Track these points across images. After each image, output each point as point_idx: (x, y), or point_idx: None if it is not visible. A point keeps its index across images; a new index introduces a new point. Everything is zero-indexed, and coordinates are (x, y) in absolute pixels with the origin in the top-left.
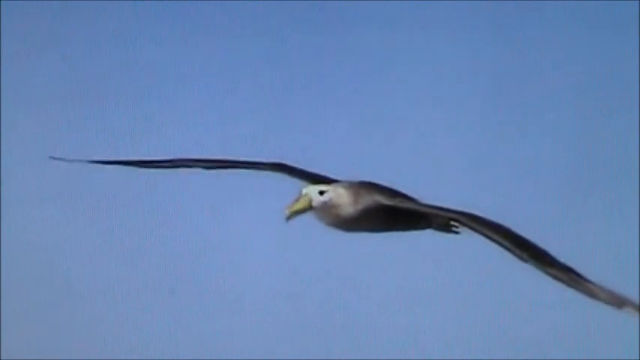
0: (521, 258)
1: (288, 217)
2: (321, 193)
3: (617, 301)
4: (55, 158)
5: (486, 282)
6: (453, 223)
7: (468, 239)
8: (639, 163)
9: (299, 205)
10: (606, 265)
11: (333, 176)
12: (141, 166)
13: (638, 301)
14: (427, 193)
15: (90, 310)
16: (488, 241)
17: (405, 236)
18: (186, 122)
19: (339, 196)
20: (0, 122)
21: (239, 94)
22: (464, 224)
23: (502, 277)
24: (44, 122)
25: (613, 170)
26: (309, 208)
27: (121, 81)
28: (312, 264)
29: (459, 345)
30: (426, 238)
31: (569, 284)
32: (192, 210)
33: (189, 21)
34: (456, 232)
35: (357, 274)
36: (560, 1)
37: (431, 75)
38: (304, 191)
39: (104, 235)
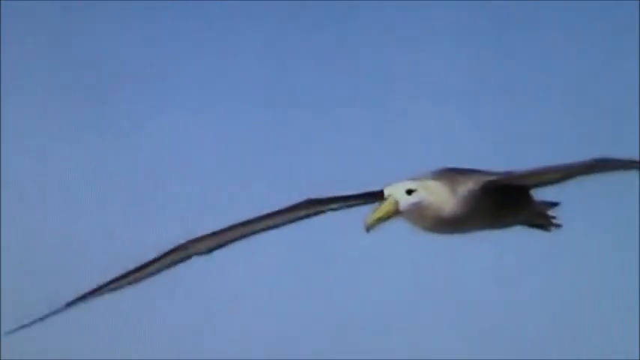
0: None
1: (370, 227)
2: (409, 192)
3: None
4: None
5: (487, 282)
6: (553, 215)
7: (468, 240)
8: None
9: (382, 212)
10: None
11: (338, 184)
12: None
13: None
14: None
15: (89, 310)
16: (487, 243)
17: (406, 236)
18: (185, 121)
19: (432, 192)
20: (0, 120)
21: (239, 93)
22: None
23: (502, 278)
24: (44, 120)
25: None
26: (395, 213)
27: (122, 79)
28: (312, 263)
29: (461, 345)
30: (428, 238)
31: None
32: (193, 209)
33: (189, 20)
34: (558, 225)
35: (358, 274)
36: (560, 1)
37: (433, 73)
38: (387, 192)
39: (104, 235)
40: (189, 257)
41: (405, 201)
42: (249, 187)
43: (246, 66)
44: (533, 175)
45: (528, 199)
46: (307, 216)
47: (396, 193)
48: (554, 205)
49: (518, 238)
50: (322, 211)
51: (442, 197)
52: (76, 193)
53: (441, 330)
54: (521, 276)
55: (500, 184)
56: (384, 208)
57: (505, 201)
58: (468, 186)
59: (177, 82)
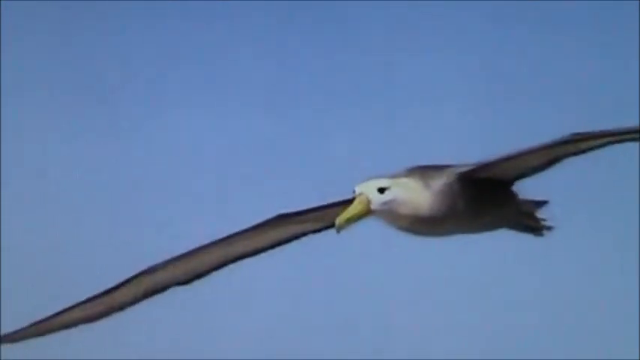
0: None
1: (340, 228)
2: (382, 190)
3: None
4: None
5: (487, 281)
6: (542, 217)
7: (468, 240)
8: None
9: (354, 211)
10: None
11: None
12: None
13: None
14: None
15: None
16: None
17: (407, 237)
18: (187, 120)
19: (406, 188)
20: (0, 119)
21: (240, 94)
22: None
23: (503, 278)
24: (45, 120)
25: (613, 179)
26: (368, 212)
27: (122, 80)
28: (316, 262)
29: (463, 346)
30: (429, 239)
31: None
32: (195, 208)
33: (190, 20)
34: (548, 228)
35: (361, 274)
36: (560, 1)
37: (434, 74)
38: (358, 190)
39: (106, 233)
40: (153, 292)
41: (377, 199)
42: (250, 188)
43: (247, 67)
44: (509, 160)
45: (511, 195)
46: (286, 239)
47: (367, 191)
48: (542, 203)
49: (519, 238)
50: (298, 234)
51: (417, 194)
52: (76, 193)
53: (442, 331)
54: (521, 276)
55: (478, 178)
56: (355, 207)
57: (485, 197)
58: (442, 180)
59: (178, 82)
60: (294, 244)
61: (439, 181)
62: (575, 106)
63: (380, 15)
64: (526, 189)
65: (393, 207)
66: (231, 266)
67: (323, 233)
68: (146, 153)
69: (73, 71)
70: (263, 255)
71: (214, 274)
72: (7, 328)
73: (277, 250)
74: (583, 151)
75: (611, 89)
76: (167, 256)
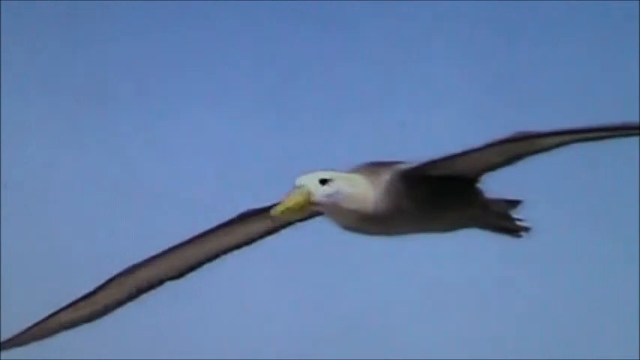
0: None
1: (275, 217)
2: (323, 182)
3: None
4: None
5: (487, 282)
6: (518, 217)
7: (471, 238)
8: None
9: (291, 202)
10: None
11: None
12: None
13: None
14: None
15: None
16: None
17: (408, 239)
18: (188, 121)
19: (350, 182)
20: (0, 120)
21: (242, 94)
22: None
23: (503, 278)
24: (46, 124)
25: (614, 179)
26: (308, 204)
27: (123, 80)
28: (317, 265)
29: (463, 345)
30: (429, 240)
31: None
32: (196, 211)
33: (191, 20)
34: (526, 229)
35: (362, 275)
36: (561, 1)
37: (435, 76)
38: (298, 182)
39: (106, 236)
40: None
41: (319, 191)
42: (251, 191)
43: (248, 71)
44: (457, 158)
45: (475, 193)
46: (255, 237)
47: (308, 183)
48: (515, 203)
49: (518, 239)
50: (267, 232)
51: (362, 189)
52: (77, 196)
53: (442, 332)
54: (522, 277)
55: (432, 176)
56: (293, 198)
57: (441, 195)
58: (385, 176)
59: (180, 85)
60: (293, 243)
61: (383, 178)
62: (576, 107)
63: (381, 17)
64: (523, 191)
65: (337, 200)
66: (231, 266)
67: (323, 233)
68: (147, 156)
69: (73, 75)
70: (262, 254)
71: (213, 273)
72: (7, 330)
73: (275, 249)
74: (543, 150)
75: (611, 89)
76: None
